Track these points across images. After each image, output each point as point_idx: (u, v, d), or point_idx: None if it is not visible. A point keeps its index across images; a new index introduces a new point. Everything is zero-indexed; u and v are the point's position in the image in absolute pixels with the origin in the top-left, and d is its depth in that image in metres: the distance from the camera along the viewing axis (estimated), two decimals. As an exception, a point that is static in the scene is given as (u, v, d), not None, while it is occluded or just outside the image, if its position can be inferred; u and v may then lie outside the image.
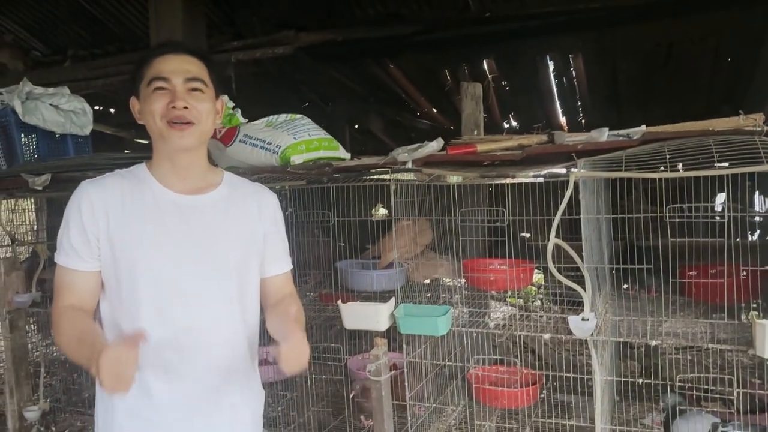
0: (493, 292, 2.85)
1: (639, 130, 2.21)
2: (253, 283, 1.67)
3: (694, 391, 2.50)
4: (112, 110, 7.10)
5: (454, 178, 2.48)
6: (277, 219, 1.73)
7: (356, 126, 7.38)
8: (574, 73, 5.86)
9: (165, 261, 1.51)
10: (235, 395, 1.62)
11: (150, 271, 1.50)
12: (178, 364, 1.53)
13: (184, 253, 1.53)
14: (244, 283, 1.63)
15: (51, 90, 3.27)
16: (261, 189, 1.74)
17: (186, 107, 1.49)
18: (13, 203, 3.44)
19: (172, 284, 1.51)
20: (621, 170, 2.05)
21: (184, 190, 1.58)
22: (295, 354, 1.40)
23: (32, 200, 3.70)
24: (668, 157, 1.98)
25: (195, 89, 1.52)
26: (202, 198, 1.59)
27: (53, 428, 3.37)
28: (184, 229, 1.54)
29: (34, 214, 3.75)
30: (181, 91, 1.50)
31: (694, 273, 2.59)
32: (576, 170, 2.07)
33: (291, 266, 1.78)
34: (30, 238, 3.54)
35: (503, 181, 2.40)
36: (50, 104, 3.23)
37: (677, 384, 2.39)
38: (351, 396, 2.81)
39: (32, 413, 3.02)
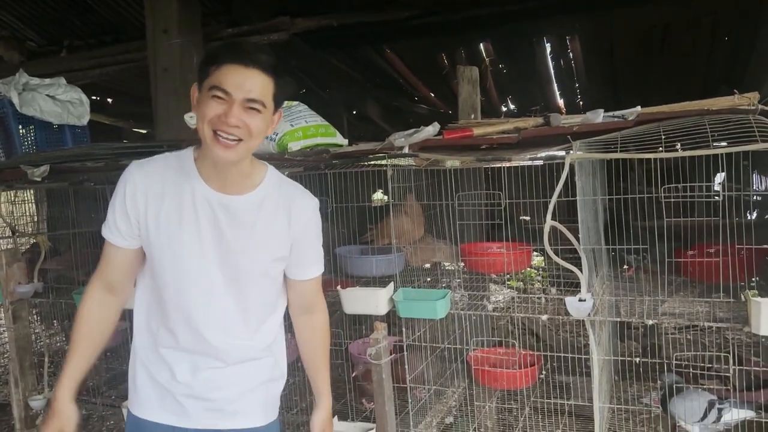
0: (491, 275, 2.86)
1: (634, 111, 2.22)
2: (275, 286, 1.72)
3: (692, 370, 2.52)
4: (109, 100, 7.08)
5: (451, 163, 2.49)
6: (309, 224, 1.71)
7: (354, 112, 7.36)
8: (571, 55, 5.84)
9: (190, 257, 1.57)
10: (245, 379, 1.69)
11: (176, 265, 1.57)
12: (194, 350, 1.62)
13: (209, 252, 1.58)
14: (264, 287, 1.67)
15: (47, 81, 3.27)
16: (299, 192, 1.71)
17: (237, 126, 1.47)
18: (12, 195, 3.45)
19: (193, 279, 1.58)
20: (617, 151, 2.05)
21: (223, 189, 1.59)
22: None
23: (32, 191, 3.71)
24: (664, 137, 1.98)
25: (252, 108, 1.49)
26: (237, 199, 1.60)
27: None
28: (214, 229, 1.58)
29: (34, 205, 3.76)
30: (238, 109, 1.46)
31: (691, 252, 2.60)
32: (572, 152, 2.08)
33: (321, 270, 1.79)
34: (30, 229, 3.55)
35: (500, 165, 2.41)
36: (47, 95, 3.23)
37: (675, 363, 2.41)
38: (353, 376, 2.84)
39: (37, 402, 3.04)
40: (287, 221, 1.65)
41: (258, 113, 1.50)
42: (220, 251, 1.58)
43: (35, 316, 3.76)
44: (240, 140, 1.49)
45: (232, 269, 1.60)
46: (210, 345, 1.61)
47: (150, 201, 1.56)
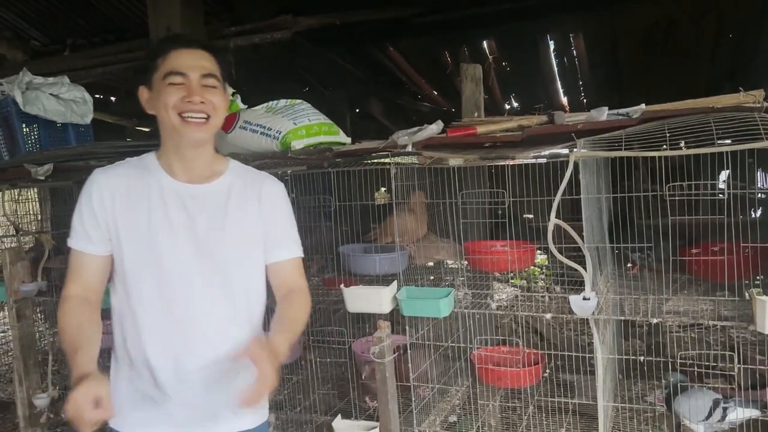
0: (495, 273, 2.85)
1: (639, 109, 2.21)
2: (256, 271, 1.69)
3: (696, 368, 2.51)
4: (112, 98, 7.09)
5: (454, 161, 2.48)
6: (278, 206, 1.72)
7: (357, 110, 7.36)
8: (574, 52, 5.83)
9: (166, 250, 1.55)
10: (237, 380, 1.62)
11: (151, 259, 1.55)
12: (181, 348, 1.56)
13: (185, 243, 1.56)
14: (246, 272, 1.65)
15: (51, 79, 3.27)
16: (265, 177, 1.75)
17: (202, 102, 1.53)
18: (16, 193, 3.45)
19: (172, 272, 1.55)
20: (621, 149, 2.05)
21: (190, 180, 1.61)
22: (257, 389, 1.40)
23: (36, 190, 3.71)
24: (668, 135, 1.97)
25: (209, 85, 1.56)
26: (205, 187, 1.62)
27: (63, 415, 3.39)
28: (185, 219, 1.57)
29: (37, 203, 3.76)
30: (197, 87, 1.54)
31: (696, 251, 2.59)
32: (576, 150, 2.07)
33: (299, 254, 1.75)
34: (34, 227, 3.56)
35: (504, 163, 2.40)
36: (50, 94, 3.23)
37: (679, 362, 2.40)
38: (363, 377, 2.83)
39: (41, 401, 3.05)
40: (258, 204, 1.67)
41: (215, 89, 1.57)
42: (196, 241, 1.57)
43: (39, 315, 3.77)
44: (208, 117, 1.55)
45: (210, 258, 1.57)
46: (197, 340, 1.56)
47: (117, 200, 1.56)
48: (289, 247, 1.74)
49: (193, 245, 1.56)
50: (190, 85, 1.53)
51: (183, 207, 1.58)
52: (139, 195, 1.57)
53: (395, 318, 2.55)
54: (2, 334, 4.58)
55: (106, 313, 1.62)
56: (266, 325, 1.73)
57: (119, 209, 1.56)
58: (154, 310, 1.55)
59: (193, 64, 1.55)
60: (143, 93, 1.61)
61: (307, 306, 1.70)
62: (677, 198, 2.19)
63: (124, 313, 1.59)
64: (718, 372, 2.62)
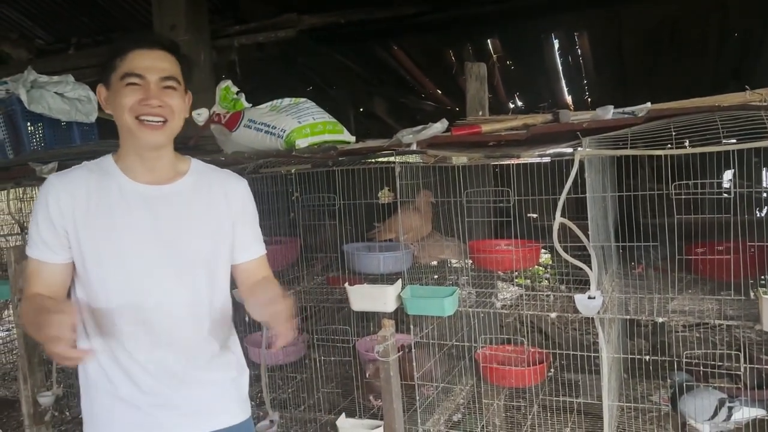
0: (499, 272, 2.85)
1: (644, 108, 2.20)
2: (223, 270, 1.68)
3: (702, 368, 2.50)
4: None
5: (459, 159, 2.48)
6: (246, 205, 1.72)
7: (361, 109, 7.35)
8: (579, 51, 5.82)
9: (132, 252, 1.52)
10: (213, 377, 1.64)
11: (116, 262, 1.52)
12: (152, 351, 1.55)
13: (151, 244, 1.54)
14: (213, 272, 1.64)
15: (56, 78, 3.27)
16: (229, 175, 1.73)
17: (160, 105, 1.50)
18: (21, 192, 3.46)
19: (139, 275, 1.53)
20: (626, 148, 2.04)
21: (151, 181, 1.58)
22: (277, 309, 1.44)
23: (40, 188, 3.71)
24: (674, 134, 1.97)
25: (168, 87, 1.52)
26: (168, 188, 1.59)
27: (67, 413, 3.40)
28: (150, 220, 1.55)
29: (42, 202, 3.77)
30: (155, 89, 1.50)
31: (701, 250, 2.59)
32: (581, 149, 2.07)
33: (264, 251, 1.76)
34: (39, 226, 3.56)
35: (508, 162, 2.40)
36: (55, 92, 3.23)
37: (685, 361, 2.39)
38: (367, 375, 2.83)
39: (46, 398, 3.05)
40: (225, 203, 1.66)
41: (174, 91, 1.53)
42: (161, 241, 1.54)
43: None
44: (165, 121, 1.52)
45: (177, 258, 1.56)
46: (168, 342, 1.56)
47: (77, 205, 1.52)
48: (257, 246, 1.75)
49: (159, 245, 1.54)
50: (147, 87, 1.49)
51: (147, 208, 1.55)
52: (99, 199, 1.53)
53: (399, 317, 2.54)
54: (6, 333, 4.60)
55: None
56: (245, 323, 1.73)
57: (79, 214, 1.52)
58: (120, 312, 1.52)
59: (152, 65, 1.50)
60: (101, 91, 1.58)
61: (275, 284, 1.71)
62: (683, 197, 2.18)
63: (87, 317, 1.55)
64: (724, 371, 2.62)
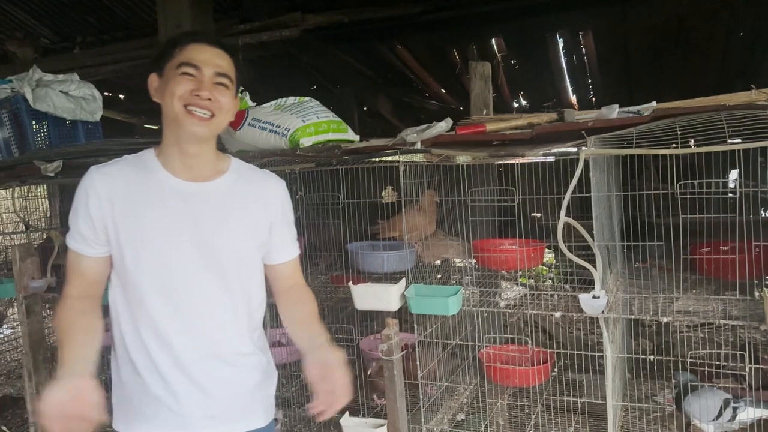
0: (503, 272, 2.84)
1: (649, 107, 2.20)
2: (257, 270, 1.69)
3: (706, 368, 2.50)
4: (121, 96, 7.11)
5: (463, 158, 2.47)
6: (285, 206, 1.73)
7: (365, 108, 7.35)
8: (584, 50, 5.80)
9: (168, 249, 1.53)
10: (244, 379, 1.64)
11: (154, 259, 1.52)
12: (186, 350, 1.55)
13: (188, 242, 1.54)
14: (247, 271, 1.64)
15: (61, 77, 3.28)
16: (268, 176, 1.74)
17: (210, 99, 1.51)
18: (26, 190, 3.47)
19: (175, 272, 1.53)
20: (632, 147, 2.03)
21: (191, 178, 1.58)
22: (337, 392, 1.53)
23: (45, 187, 3.73)
24: (679, 133, 1.96)
25: (220, 83, 1.54)
26: (207, 185, 1.60)
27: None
28: (188, 217, 1.55)
29: (47, 200, 3.78)
30: (208, 83, 1.51)
31: (706, 250, 2.58)
32: (586, 148, 2.06)
33: (299, 252, 1.78)
34: (44, 224, 3.58)
35: (513, 161, 2.39)
36: (60, 91, 3.24)
37: (689, 361, 2.39)
38: (369, 373, 2.84)
39: (51, 396, 3.06)
40: (264, 204, 1.66)
41: (226, 89, 1.55)
42: (199, 240, 1.54)
43: (48, 311, 3.79)
44: (213, 115, 1.52)
45: (213, 256, 1.55)
46: (203, 340, 1.56)
47: (116, 201, 1.52)
48: (292, 248, 1.76)
49: (196, 244, 1.54)
50: (201, 79, 1.51)
51: (185, 206, 1.55)
52: (138, 196, 1.54)
53: (403, 316, 2.54)
54: (11, 330, 4.61)
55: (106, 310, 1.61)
56: (275, 320, 1.75)
57: (118, 211, 1.52)
58: (156, 310, 1.53)
59: (209, 60, 1.52)
60: (153, 80, 1.59)
61: (313, 298, 1.77)
62: (688, 196, 2.18)
63: (122, 311, 1.57)
64: (728, 372, 2.61)
